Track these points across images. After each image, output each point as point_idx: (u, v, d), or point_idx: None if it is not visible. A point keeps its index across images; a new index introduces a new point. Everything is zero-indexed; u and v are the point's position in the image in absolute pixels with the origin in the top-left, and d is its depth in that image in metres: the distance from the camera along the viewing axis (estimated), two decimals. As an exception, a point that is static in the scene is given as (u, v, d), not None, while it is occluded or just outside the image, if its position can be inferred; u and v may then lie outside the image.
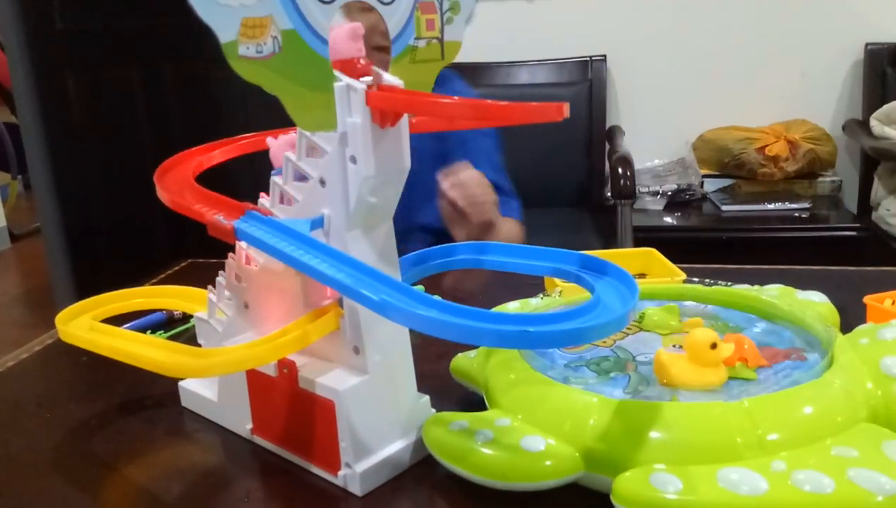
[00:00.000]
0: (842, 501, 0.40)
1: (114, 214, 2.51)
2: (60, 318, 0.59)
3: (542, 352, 0.56)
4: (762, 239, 2.02)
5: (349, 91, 0.46)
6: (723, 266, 0.88)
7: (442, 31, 0.53)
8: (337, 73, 0.46)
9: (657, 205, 2.20)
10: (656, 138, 2.38)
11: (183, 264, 0.98)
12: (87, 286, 2.57)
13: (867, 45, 2.20)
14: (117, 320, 0.63)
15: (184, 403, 0.63)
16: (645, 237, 1.92)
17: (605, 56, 2.31)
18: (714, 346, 0.50)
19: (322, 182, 0.49)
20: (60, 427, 0.60)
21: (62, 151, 2.43)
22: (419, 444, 0.52)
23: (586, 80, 2.29)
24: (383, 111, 0.46)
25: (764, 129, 2.22)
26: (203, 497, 0.50)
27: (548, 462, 0.46)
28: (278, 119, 0.48)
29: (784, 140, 2.16)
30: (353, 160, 0.47)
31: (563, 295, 0.67)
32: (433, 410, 0.54)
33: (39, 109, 2.39)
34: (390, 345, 0.51)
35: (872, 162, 2.13)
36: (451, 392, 0.60)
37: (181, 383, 0.62)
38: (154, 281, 0.91)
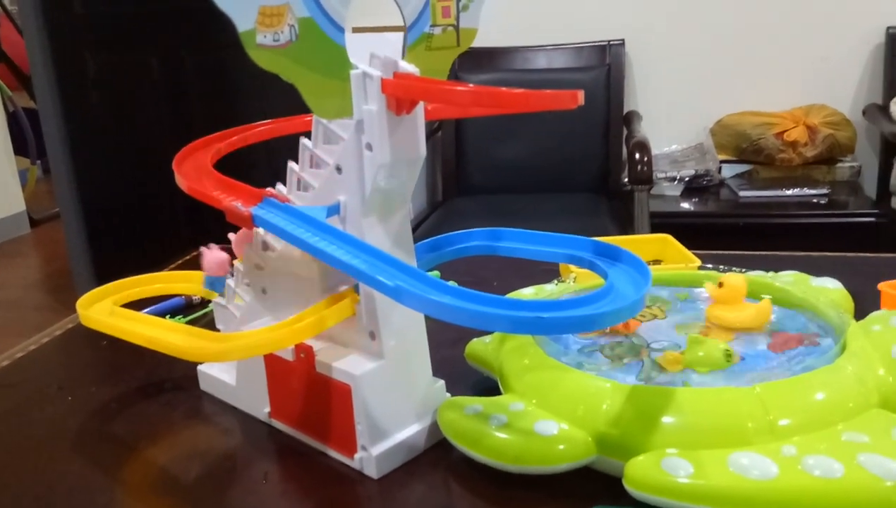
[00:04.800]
0: (851, 486, 0.41)
1: (132, 199, 2.54)
2: (81, 303, 0.60)
3: (555, 338, 0.57)
4: (780, 225, 2.01)
5: (365, 78, 0.46)
6: (739, 252, 0.88)
7: (458, 19, 0.53)
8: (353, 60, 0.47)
9: (674, 190, 2.19)
10: (674, 123, 2.37)
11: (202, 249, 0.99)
12: (106, 270, 2.62)
13: (888, 28, 2.17)
14: (137, 305, 0.64)
15: (202, 387, 0.64)
16: (662, 223, 1.92)
17: (623, 40, 2.30)
18: (720, 285, 0.58)
19: (338, 169, 0.49)
20: (82, 410, 0.61)
21: (80, 136, 2.46)
22: (434, 428, 0.53)
23: (604, 65, 2.28)
24: (399, 99, 0.46)
25: (782, 114, 2.20)
26: (222, 478, 0.51)
27: (561, 447, 0.47)
28: (296, 106, 0.48)
29: (803, 125, 2.15)
30: (369, 147, 0.47)
31: (577, 281, 0.67)
32: (448, 395, 0.55)
33: (58, 94, 2.41)
34: (406, 331, 0.52)
35: (892, 147, 2.11)
36: (465, 377, 0.61)
37: (200, 367, 0.64)
38: (173, 266, 0.92)
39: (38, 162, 4.20)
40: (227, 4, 0.42)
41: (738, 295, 0.58)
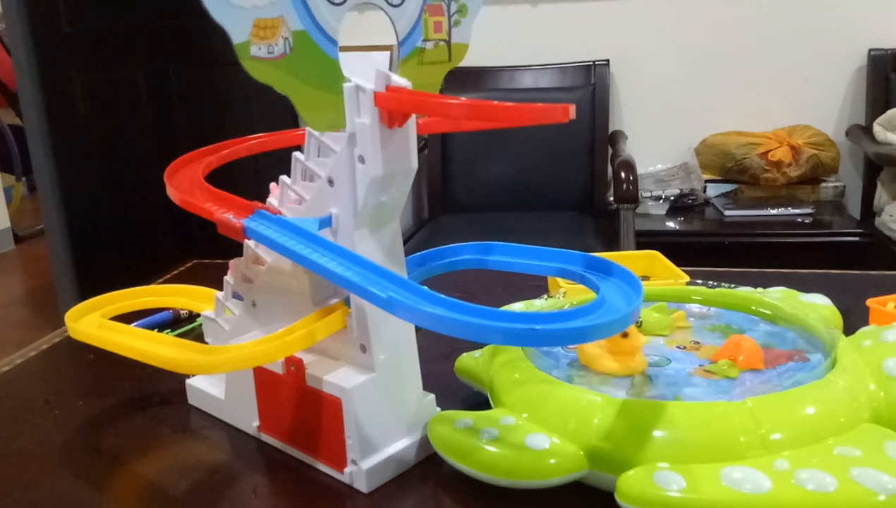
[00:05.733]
0: (844, 500, 0.41)
1: (117, 216, 2.53)
2: (70, 316, 0.60)
3: (546, 352, 0.57)
4: (765, 244, 2.02)
5: (358, 92, 0.46)
6: (726, 269, 0.88)
7: (449, 34, 0.53)
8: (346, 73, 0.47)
9: (660, 209, 2.20)
10: (659, 143, 2.39)
11: (188, 264, 0.99)
12: (90, 287, 2.60)
13: (870, 50, 2.20)
14: (124, 319, 0.64)
15: (191, 401, 0.63)
16: (647, 241, 1.92)
17: (608, 60, 2.31)
18: (625, 335, 0.53)
19: (330, 181, 0.49)
20: (69, 424, 0.61)
21: (66, 153, 2.45)
22: (424, 442, 0.52)
23: (589, 85, 2.30)
24: (391, 112, 0.46)
25: (767, 134, 2.22)
26: (211, 492, 0.51)
27: (552, 461, 0.47)
28: (283, 120, 0.48)
29: (787, 145, 2.17)
30: (362, 160, 0.47)
31: (566, 296, 0.67)
32: (438, 409, 0.55)
33: (44, 111, 2.40)
34: (397, 344, 0.52)
35: (875, 167, 2.14)
36: (455, 391, 0.60)
37: (188, 380, 0.63)
38: (159, 281, 0.92)
39: (24, 179, 4.17)
40: (222, 16, 0.42)
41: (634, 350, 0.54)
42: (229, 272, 0.60)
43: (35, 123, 2.39)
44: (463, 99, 0.46)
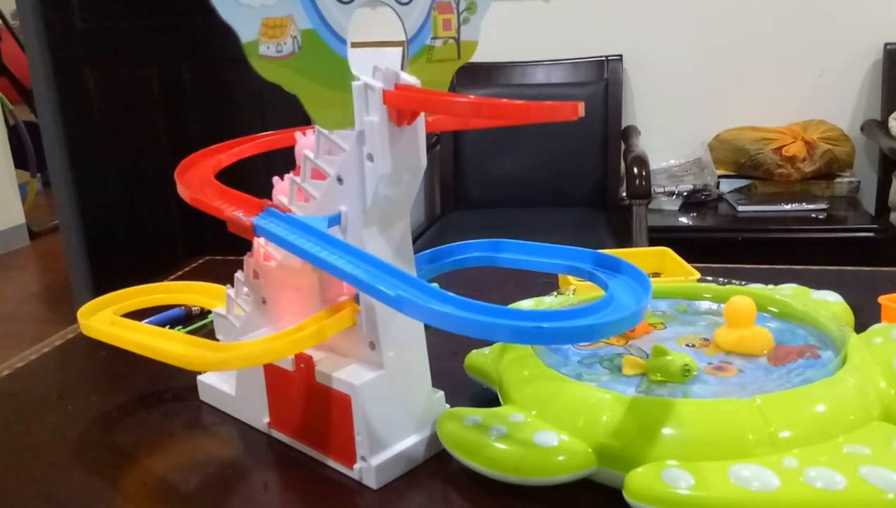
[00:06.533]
0: (853, 498, 0.41)
1: (131, 212, 2.55)
2: (82, 313, 0.60)
3: (555, 349, 0.57)
4: (778, 240, 2.01)
5: (367, 90, 0.46)
6: (738, 265, 0.88)
7: (458, 31, 0.53)
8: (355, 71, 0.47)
9: (673, 205, 2.19)
10: (672, 138, 2.38)
11: (200, 261, 0.99)
12: (104, 282, 2.62)
13: (886, 45, 2.18)
14: (136, 315, 0.64)
15: (202, 397, 0.64)
16: (660, 237, 1.92)
17: (621, 56, 2.31)
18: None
19: (339, 179, 0.49)
20: (82, 419, 0.61)
21: (81, 149, 2.47)
22: (433, 439, 0.53)
23: (602, 80, 2.29)
24: (400, 110, 0.47)
25: (781, 130, 2.21)
26: (221, 487, 0.51)
27: (561, 458, 0.47)
28: (295, 118, 0.48)
29: (801, 140, 2.15)
30: (371, 158, 0.47)
31: (576, 293, 0.67)
32: (447, 405, 0.55)
33: (59, 108, 2.42)
34: (406, 341, 0.52)
35: (891, 163, 2.12)
36: (465, 388, 0.61)
37: (200, 377, 0.63)
38: (172, 277, 0.92)
39: (38, 175, 4.21)
40: (231, 16, 0.42)
41: (747, 317, 0.56)
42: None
43: (49, 120, 2.41)
44: (471, 97, 0.46)
